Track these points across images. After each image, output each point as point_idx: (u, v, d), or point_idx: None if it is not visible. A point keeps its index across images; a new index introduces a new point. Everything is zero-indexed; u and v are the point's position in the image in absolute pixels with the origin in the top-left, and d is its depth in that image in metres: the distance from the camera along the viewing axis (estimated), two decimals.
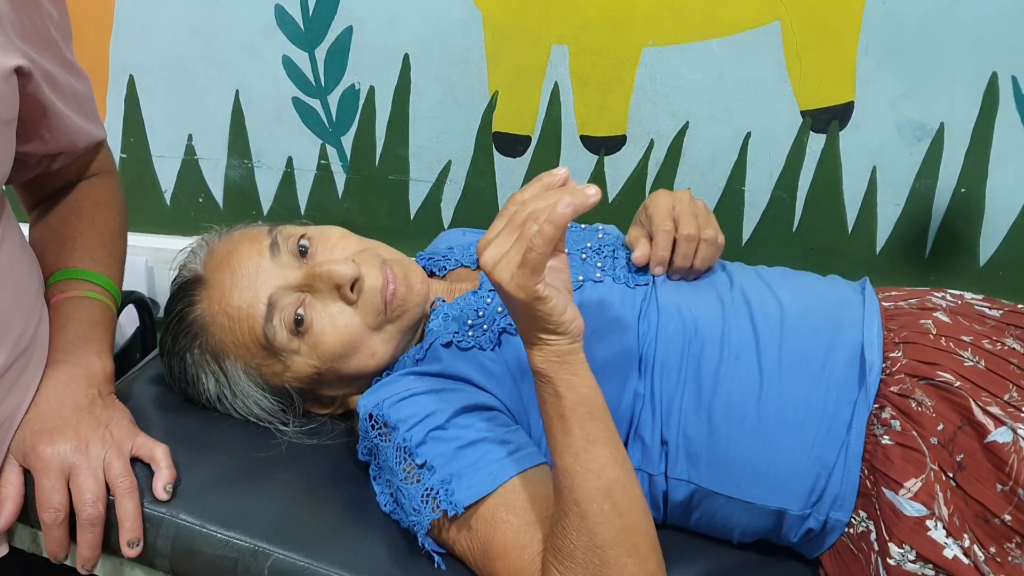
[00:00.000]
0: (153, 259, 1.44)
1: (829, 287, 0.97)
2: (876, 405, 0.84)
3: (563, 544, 0.73)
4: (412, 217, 1.40)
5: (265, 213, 1.43)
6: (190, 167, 1.42)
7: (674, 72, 1.22)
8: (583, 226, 1.08)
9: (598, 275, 0.96)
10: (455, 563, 0.82)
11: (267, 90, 1.34)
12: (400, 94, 1.31)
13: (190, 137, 1.40)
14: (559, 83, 1.25)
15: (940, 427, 0.80)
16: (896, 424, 0.82)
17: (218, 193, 1.44)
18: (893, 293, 0.97)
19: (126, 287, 1.29)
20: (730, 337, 0.88)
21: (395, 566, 0.83)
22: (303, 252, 0.92)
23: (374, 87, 1.31)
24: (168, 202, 1.46)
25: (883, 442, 0.82)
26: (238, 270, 0.90)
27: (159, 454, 0.86)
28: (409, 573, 0.82)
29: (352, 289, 0.89)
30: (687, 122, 1.25)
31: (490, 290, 0.96)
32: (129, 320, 1.34)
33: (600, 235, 1.04)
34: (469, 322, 0.92)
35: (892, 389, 0.84)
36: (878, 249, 1.28)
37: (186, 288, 0.93)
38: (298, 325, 0.88)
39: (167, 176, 1.43)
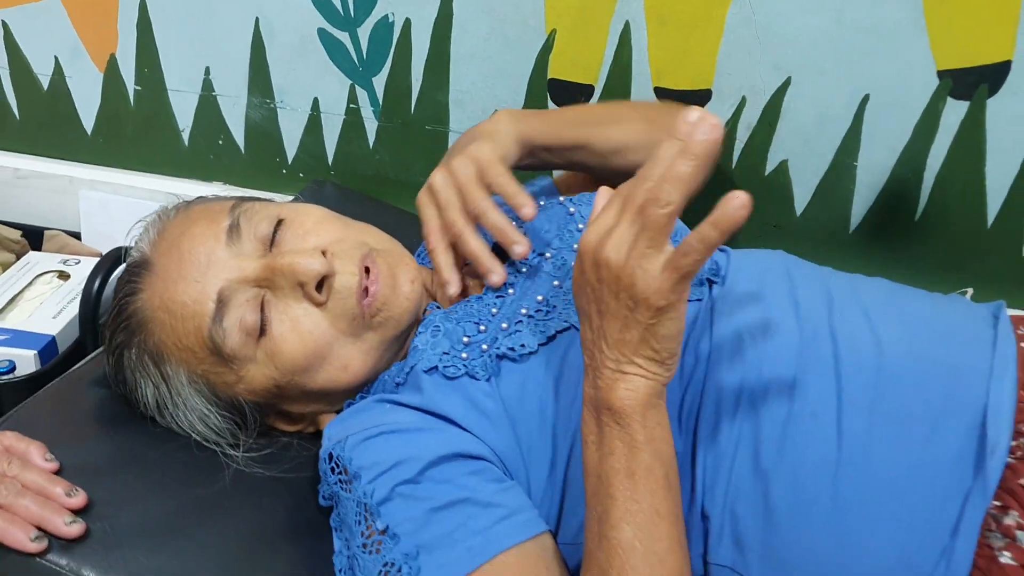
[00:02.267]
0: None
1: (948, 315, 0.78)
2: (997, 503, 0.66)
3: None
4: None
5: (290, 161, 1.34)
6: (208, 104, 1.33)
7: (777, 12, 1.08)
8: None
9: None
10: None
11: (290, 19, 1.23)
12: (440, 29, 1.19)
13: (207, 70, 1.31)
14: (631, 21, 1.13)
15: None
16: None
17: (239, 135, 1.35)
18: None
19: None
20: (805, 385, 0.72)
21: None
22: (273, 238, 0.80)
23: (410, 19, 1.19)
24: (186, 142, 1.38)
25: (1001, 560, 0.64)
26: (186, 256, 0.78)
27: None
28: None
29: (320, 288, 0.77)
30: (789, 77, 1.11)
31: (497, 296, 0.81)
32: None
33: None
34: (465, 339, 0.78)
35: (1022, 482, 0.65)
36: None
37: (130, 272, 0.82)
38: (254, 328, 0.77)
39: (184, 113, 1.35)
